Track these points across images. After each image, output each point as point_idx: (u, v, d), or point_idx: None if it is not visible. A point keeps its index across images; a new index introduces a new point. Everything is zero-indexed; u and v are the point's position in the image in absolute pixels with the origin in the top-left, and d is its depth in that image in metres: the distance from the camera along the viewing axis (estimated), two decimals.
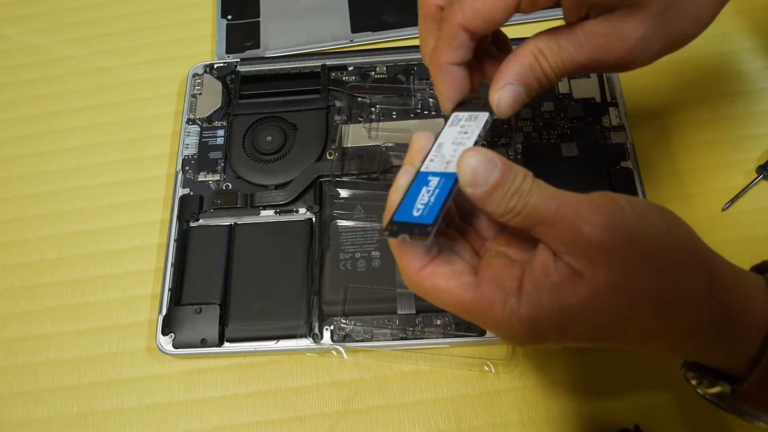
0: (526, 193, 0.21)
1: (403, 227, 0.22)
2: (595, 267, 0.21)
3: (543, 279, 0.22)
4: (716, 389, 0.25)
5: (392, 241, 0.23)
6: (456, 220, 0.25)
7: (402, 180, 0.23)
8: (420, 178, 0.23)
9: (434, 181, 0.22)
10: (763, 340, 0.23)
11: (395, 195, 0.23)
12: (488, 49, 0.27)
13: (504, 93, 0.24)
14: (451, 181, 0.22)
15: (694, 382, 0.26)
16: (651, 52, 0.25)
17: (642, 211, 0.22)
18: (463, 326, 0.34)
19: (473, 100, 0.25)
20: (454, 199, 0.22)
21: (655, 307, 0.21)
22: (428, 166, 0.23)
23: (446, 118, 0.25)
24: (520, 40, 0.26)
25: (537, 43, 0.24)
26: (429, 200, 0.22)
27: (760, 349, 0.23)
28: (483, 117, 0.24)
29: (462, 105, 0.25)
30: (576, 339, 0.22)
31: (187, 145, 0.41)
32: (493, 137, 0.39)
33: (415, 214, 0.22)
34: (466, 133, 0.24)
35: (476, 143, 0.23)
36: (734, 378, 0.24)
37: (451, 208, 0.25)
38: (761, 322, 0.23)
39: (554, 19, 0.44)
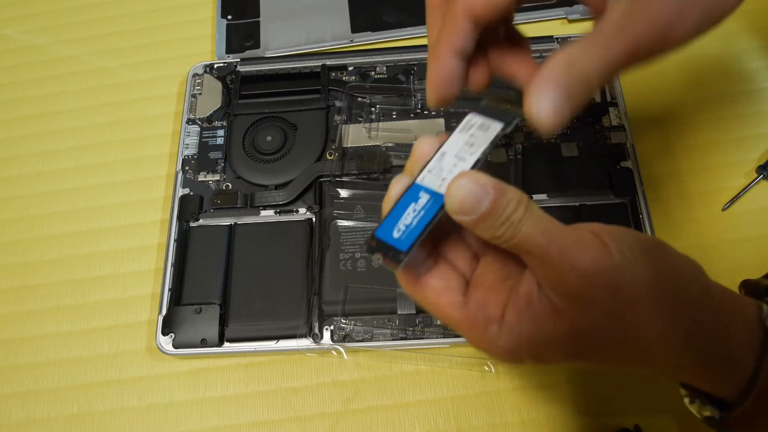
0: (516, 223, 0.20)
1: (380, 246, 0.21)
2: (575, 309, 0.21)
3: (525, 309, 0.22)
4: (706, 413, 0.25)
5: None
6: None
7: (394, 190, 0.22)
8: (412, 192, 0.22)
9: (424, 199, 0.22)
10: (753, 371, 0.23)
11: (386, 205, 0.23)
12: (500, 43, 0.25)
13: (543, 101, 0.21)
14: (438, 205, 0.21)
15: (687, 401, 0.26)
16: (689, 24, 0.23)
17: (632, 256, 0.21)
18: None
19: (497, 100, 0.23)
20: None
21: (638, 349, 0.22)
22: (424, 179, 0.22)
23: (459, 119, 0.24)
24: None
25: (566, 49, 0.21)
26: (411, 222, 0.21)
27: (750, 380, 0.23)
28: (495, 128, 0.22)
29: (485, 105, 0.23)
30: (553, 363, 0.23)
31: (187, 145, 0.41)
32: None
33: (395, 235, 0.21)
34: (472, 145, 0.22)
35: (477, 162, 0.21)
36: (725, 404, 0.24)
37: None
38: (752, 352, 0.23)
39: (556, 18, 0.44)
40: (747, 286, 0.26)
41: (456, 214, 0.21)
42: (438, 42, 0.23)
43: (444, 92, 0.24)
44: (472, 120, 0.23)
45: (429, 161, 0.22)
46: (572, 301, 0.21)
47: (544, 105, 0.21)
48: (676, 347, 0.22)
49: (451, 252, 0.24)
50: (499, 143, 0.38)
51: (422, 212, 0.21)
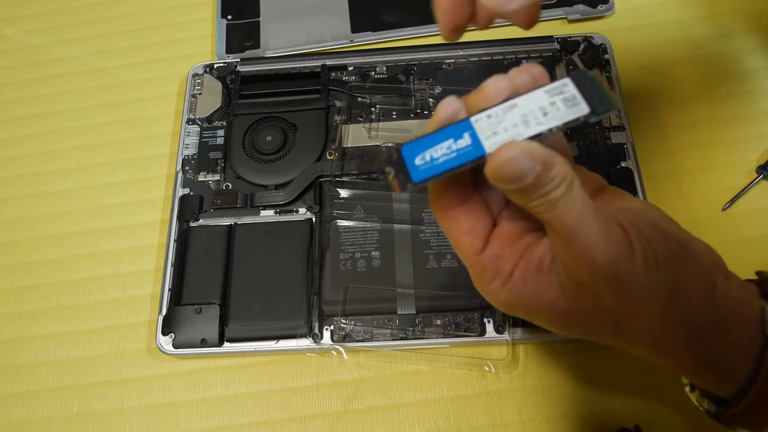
0: (553, 202, 0.19)
1: (398, 163, 0.20)
2: (579, 297, 0.21)
3: (533, 274, 0.22)
4: (705, 405, 0.25)
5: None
6: None
7: (442, 112, 0.20)
8: (459, 127, 0.20)
9: (465, 141, 0.20)
10: (751, 373, 0.22)
11: (429, 125, 0.21)
12: None
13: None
14: (473, 156, 0.19)
15: (687, 389, 0.26)
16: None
17: (654, 263, 0.20)
18: (463, 326, 0.34)
19: (604, 81, 0.20)
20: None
21: (631, 345, 0.22)
22: (478, 121, 0.20)
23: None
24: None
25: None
26: (439, 159, 0.20)
27: (746, 385, 0.23)
28: (580, 111, 0.19)
29: (588, 77, 0.20)
30: (543, 327, 0.23)
31: (187, 145, 0.41)
32: None
33: (417, 162, 0.20)
34: (545, 115, 0.19)
35: (539, 135, 0.19)
36: (722, 400, 0.24)
37: None
38: (750, 358, 0.23)
39: (556, 18, 0.44)
40: (761, 276, 0.26)
41: (495, 179, 0.20)
42: None
43: (455, 17, 0.23)
44: (565, 89, 0.20)
45: (495, 106, 0.20)
46: (580, 289, 0.21)
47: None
48: (672, 350, 0.22)
49: (487, 190, 0.23)
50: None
51: (455, 155, 0.20)
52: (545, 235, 0.22)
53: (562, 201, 0.19)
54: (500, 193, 0.23)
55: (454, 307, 0.34)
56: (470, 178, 0.23)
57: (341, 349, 0.34)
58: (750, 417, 0.23)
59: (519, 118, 0.20)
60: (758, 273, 0.26)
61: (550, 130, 0.19)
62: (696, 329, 0.22)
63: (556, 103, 0.20)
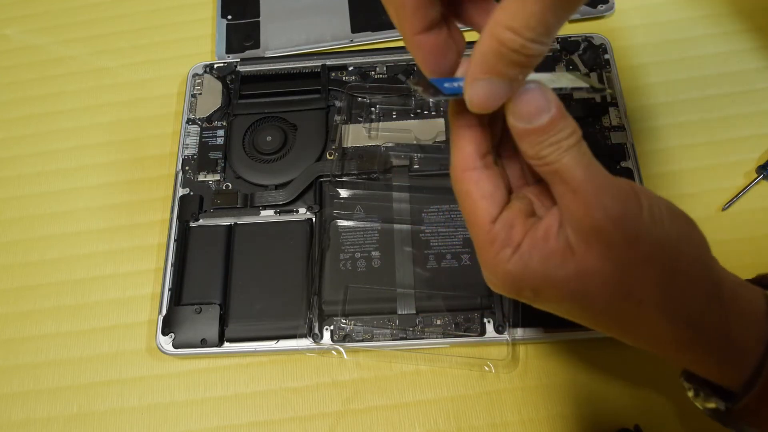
0: (564, 149, 0.21)
1: (427, 83, 0.21)
2: (588, 250, 0.21)
3: (541, 243, 0.22)
4: (711, 404, 0.24)
5: (454, 123, 0.23)
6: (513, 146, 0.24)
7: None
8: None
9: None
10: (760, 361, 0.22)
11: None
12: None
13: (474, 90, 0.20)
14: None
15: (690, 393, 0.26)
16: None
17: (659, 217, 0.21)
18: (463, 326, 0.34)
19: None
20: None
21: (637, 313, 0.22)
22: None
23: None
24: None
25: (491, 20, 0.19)
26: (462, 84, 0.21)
27: (756, 369, 0.22)
28: (580, 83, 0.23)
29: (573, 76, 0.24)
30: (549, 306, 0.23)
31: (187, 145, 0.41)
32: None
33: (446, 85, 0.21)
34: (553, 81, 0.22)
35: (555, 88, 0.22)
36: (730, 395, 0.23)
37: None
38: (759, 342, 0.23)
39: None
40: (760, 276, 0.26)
41: (513, 115, 0.21)
42: (402, 21, 0.21)
43: (442, 69, 0.23)
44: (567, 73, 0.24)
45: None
46: (589, 241, 0.21)
47: (476, 95, 0.20)
48: (677, 321, 0.22)
49: (509, 163, 0.24)
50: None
51: None
52: (550, 210, 0.23)
53: (572, 150, 0.21)
54: (516, 170, 0.24)
55: (454, 307, 0.34)
56: (495, 147, 0.24)
57: (341, 349, 0.34)
58: (761, 410, 0.23)
59: (536, 77, 0.21)
60: (758, 276, 0.26)
61: (562, 86, 0.22)
62: (701, 306, 0.22)
63: (559, 77, 0.23)
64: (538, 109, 0.21)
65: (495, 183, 0.23)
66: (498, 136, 0.24)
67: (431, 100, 0.21)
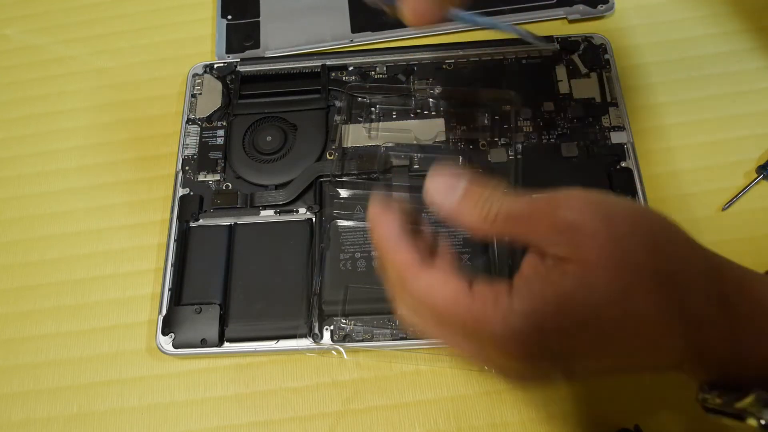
0: (497, 198, 0.22)
1: None
2: (579, 249, 0.20)
3: (532, 274, 0.21)
4: (749, 400, 0.21)
5: (378, 230, 0.24)
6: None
7: None
8: None
9: None
10: None
11: None
12: None
13: (407, 5, 0.25)
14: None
15: (719, 400, 0.22)
16: None
17: (616, 199, 0.22)
18: None
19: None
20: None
21: (653, 280, 0.20)
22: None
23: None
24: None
25: None
26: None
27: None
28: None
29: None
30: (578, 343, 0.20)
31: (187, 145, 0.41)
32: (494, 137, 0.39)
33: None
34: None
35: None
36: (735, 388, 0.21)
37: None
38: None
39: (556, 18, 0.44)
40: None
41: (434, 200, 0.24)
42: None
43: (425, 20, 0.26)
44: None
45: None
46: (573, 242, 0.20)
47: (408, 12, 0.24)
48: (695, 285, 0.20)
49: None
50: (499, 143, 0.38)
51: None
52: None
53: (504, 197, 0.22)
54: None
55: None
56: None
57: (341, 349, 0.34)
58: None
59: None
60: None
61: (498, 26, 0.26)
62: (709, 269, 0.21)
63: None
64: (451, 185, 0.23)
65: (445, 267, 0.22)
66: None
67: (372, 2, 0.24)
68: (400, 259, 0.23)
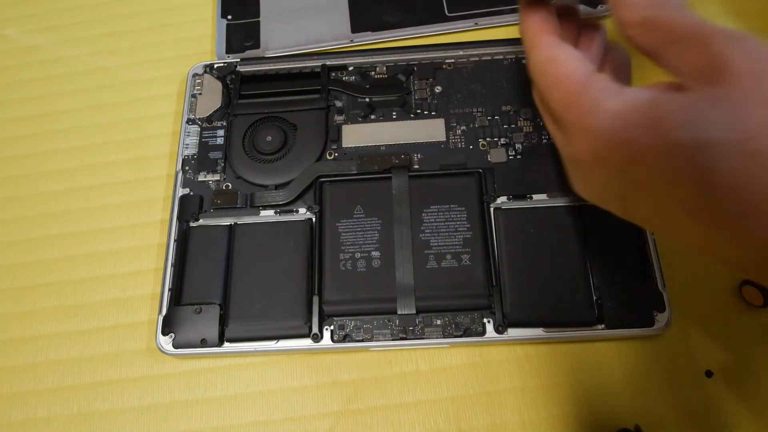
0: (672, 6, 0.20)
1: None
2: (710, 85, 0.18)
3: (649, 88, 0.20)
4: None
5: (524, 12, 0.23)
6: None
7: None
8: None
9: None
10: None
11: None
12: None
13: None
14: None
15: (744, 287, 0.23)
16: None
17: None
18: (463, 326, 0.34)
19: None
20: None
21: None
22: None
23: None
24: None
25: None
26: None
27: None
28: None
29: None
30: (639, 188, 0.20)
31: (187, 145, 0.41)
32: (493, 137, 0.39)
33: None
34: None
35: None
36: None
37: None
38: None
39: None
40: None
41: None
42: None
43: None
44: None
45: None
46: (708, 78, 0.19)
47: None
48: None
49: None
50: (499, 143, 0.38)
51: None
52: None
53: (680, 6, 0.20)
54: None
55: (454, 307, 0.34)
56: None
57: (341, 349, 0.34)
58: None
59: None
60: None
61: None
62: None
63: None
64: None
65: (580, 54, 0.22)
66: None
67: None
68: (531, 22, 0.23)
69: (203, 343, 0.35)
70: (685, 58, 0.20)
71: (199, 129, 0.41)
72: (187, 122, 0.41)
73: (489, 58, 0.41)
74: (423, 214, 0.36)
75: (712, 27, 0.19)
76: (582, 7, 0.44)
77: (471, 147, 0.39)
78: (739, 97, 0.17)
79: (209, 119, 0.41)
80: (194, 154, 0.40)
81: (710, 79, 0.18)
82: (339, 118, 0.40)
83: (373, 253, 0.36)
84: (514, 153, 0.38)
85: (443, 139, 0.39)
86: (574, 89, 0.21)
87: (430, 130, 0.39)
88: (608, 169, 0.21)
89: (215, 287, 0.36)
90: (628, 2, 0.21)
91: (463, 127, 0.39)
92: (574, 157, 0.23)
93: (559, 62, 0.22)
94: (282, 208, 0.38)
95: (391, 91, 0.41)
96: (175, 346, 0.35)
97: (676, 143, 0.18)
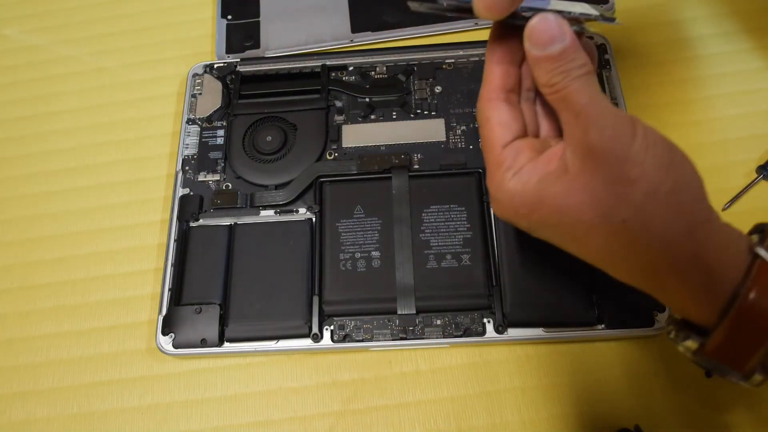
0: (573, 78, 0.23)
1: None
2: (581, 168, 0.23)
3: (541, 166, 0.25)
4: (688, 343, 0.25)
5: (488, 58, 0.26)
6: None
7: None
8: None
9: None
10: (731, 295, 0.23)
11: None
12: None
13: None
14: None
15: (672, 335, 0.27)
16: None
17: (652, 144, 0.23)
18: (463, 326, 0.34)
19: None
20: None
21: (624, 227, 0.23)
22: None
23: None
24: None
25: None
26: None
27: (730, 299, 0.23)
28: (593, 11, 0.25)
29: None
30: (542, 231, 0.26)
31: (187, 145, 0.41)
32: None
33: None
34: (570, 3, 0.24)
35: (557, 12, 0.24)
36: (706, 332, 0.24)
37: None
38: (737, 272, 0.23)
39: None
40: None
41: (529, 41, 0.24)
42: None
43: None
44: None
45: None
46: (583, 159, 0.23)
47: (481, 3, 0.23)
48: (654, 245, 0.23)
49: (527, 108, 0.27)
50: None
51: None
52: (559, 142, 0.25)
53: (582, 79, 0.23)
54: (541, 111, 0.27)
55: (454, 307, 0.34)
56: (518, 88, 0.27)
57: (341, 348, 0.34)
58: (734, 345, 0.23)
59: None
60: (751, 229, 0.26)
61: (569, 12, 0.24)
62: (689, 222, 0.23)
63: (574, 5, 0.25)
64: (551, 38, 0.23)
65: (512, 115, 0.26)
66: (532, 85, 0.27)
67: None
68: (485, 82, 0.27)
69: (203, 343, 0.35)
70: (572, 132, 0.23)
71: (199, 129, 0.41)
72: (187, 122, 0.41)
73: None
74: (423, 214, 0.36)
75: (600, 108, 0.22)
76: (582, 7, 0.43)
77: (471, 147, 0.39)
78: (588, 183, 0.23)
79: (209, 119, 0.41)
80: (194, 154, 0.40)
81: (582, 162, 0.23)
82: (339, 118, 0.40)
83: (373, 253, 0.36)
84: None
85: (443, 139, 0.39)
86: (492, 160, 0.26)
87: (430, 130, 0.39)
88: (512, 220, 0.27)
89: (215, 287, 0.36)
90: (537, 64, 0.24)
91: (463, 127, 0.39)
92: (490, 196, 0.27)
93: (489, 126, 0.26)
94: (282, 208, 0.38)
95: (391, 91, 0.41)
96: (175, 346, 0.35)
97: (550, 223, 0.25)
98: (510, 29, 0.26)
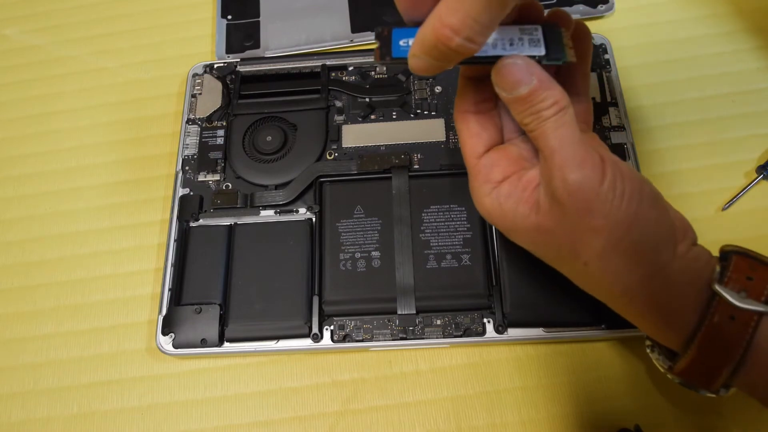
0: (543, 120, 0.23)
1: (385, 39, 0.23)
2: (549, 211, 0.24)
3: (519, 191, 0.25)
4: (661, 361, 0.27)
5: (461, 73, 0.27)
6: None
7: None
8: None
9: None
10: (694, 328, 0.24)
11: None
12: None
13: (413, 62, 0.22)
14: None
15: (648, 350, 0.28)
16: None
17: (619, 193, 0.23)
18: (463, 326, 0.34)
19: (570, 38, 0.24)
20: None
21: (588, 268, 0.24)
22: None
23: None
24: None
25: (438, 13, 0.20)
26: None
27: (690, 335, 0.24)
28: (537, 52, 0.23)
29: (556, 31, 0.24)
30: (515, 240, 0.27)
31: (187, 145, 0.41)
32: None
33: (401, 43, 0.23)
34: (511, 45, 0.23)
35: (495, 58, 0.23)
36: (675, 355, 0.26)
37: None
38: (695, 312, 0.24)
39: None
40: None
41: (496, 85, 0.24)
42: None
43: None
44: (535, 32, 0.24)
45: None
46: (551, 203, 0.24)
47: (415, 67, 0.22)
48: (617, 286, 0.24)
49: (506, 115, 0.27)
50: None
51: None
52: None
53: (551, 120, 0.23)
54: (515, 126, 0.27)
55: (454, 307, 0.34)
56: (493, 97, 0.26)
57: (341, 348, 0.34)
58: (700, 370, 0.24)
59: (490, 40, 0.23)
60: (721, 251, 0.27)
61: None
62: (648, 271, 0.24)
63: (523, 40, 0.23)
64: (517, 82, 0.23)
65: (484, 126, 0.27)
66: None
67: (379, 64, 0.25)
68: (458, 97, 0.27)
69: (203, 343, 0.35)
70: (543, 171, 0.24)
71: (199, 129, 0.41)
72: (187, 122, 0.41)
73: None
74: (423, 214, 0.36)
75: (566, 154, 0.23)
76: (582, 7, 0.44)
77: None
78: (554, 226, 0.24)
79: (209, 119, 0.41)
80: (194, 154, 0.40)
81: (550, 204, 0.24)
82: (339, 118, 0.40)
83: (373, 253, 0.36)
84: None
85: (443, 139, 0.39)
86: (470, 170, 0.27)
87: (430, 130, 0.39)
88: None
89: (215, 287, 0.36)
90: (508, 104, 0.24)
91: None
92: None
93: (462, 139, 0.27)
94: (282, 208, 0.38)
95: (391, 91, 0.41)
96: (175, 346, 0.35)
97: (524, 245, 0.27)
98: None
